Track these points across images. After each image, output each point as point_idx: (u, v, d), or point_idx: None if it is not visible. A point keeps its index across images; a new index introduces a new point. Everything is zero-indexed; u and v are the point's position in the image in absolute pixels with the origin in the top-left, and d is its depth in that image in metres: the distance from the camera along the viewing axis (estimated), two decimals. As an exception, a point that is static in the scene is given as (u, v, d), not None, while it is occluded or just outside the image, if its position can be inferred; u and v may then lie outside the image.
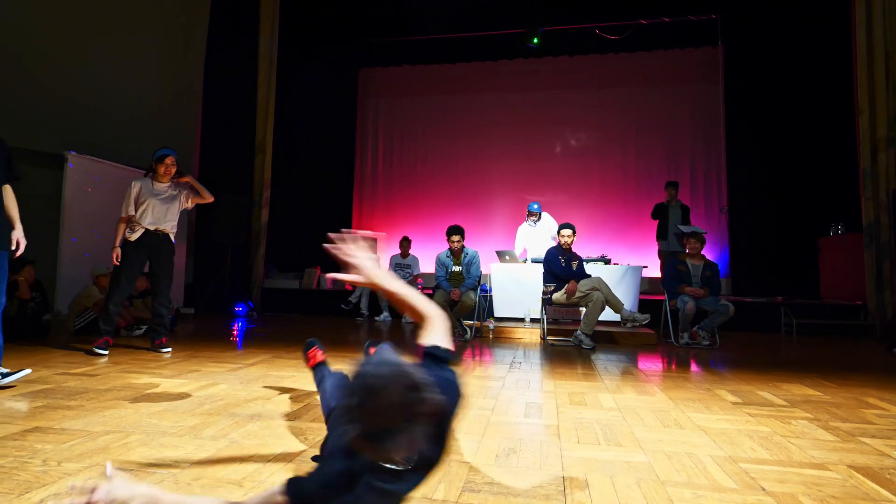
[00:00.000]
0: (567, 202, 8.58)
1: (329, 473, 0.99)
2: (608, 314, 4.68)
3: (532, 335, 5.10)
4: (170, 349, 3.74)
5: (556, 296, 4.76)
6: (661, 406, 2.43)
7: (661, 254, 6.71)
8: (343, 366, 2.25)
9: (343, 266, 1.13)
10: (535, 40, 8.56)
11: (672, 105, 8.49)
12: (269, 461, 1.61)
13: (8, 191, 2.72)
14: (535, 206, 6.35)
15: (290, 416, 2.13)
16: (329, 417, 1.59)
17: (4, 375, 2.54)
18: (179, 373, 2.99)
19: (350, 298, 6.88)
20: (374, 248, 1.16)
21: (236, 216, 7.12)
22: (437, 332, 1.14)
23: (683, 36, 8.32)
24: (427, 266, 7.61)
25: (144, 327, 4.58)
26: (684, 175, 8.21)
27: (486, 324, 5.23)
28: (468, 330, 5.02)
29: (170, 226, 3.79)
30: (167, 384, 2.69)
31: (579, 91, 8.91)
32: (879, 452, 1.81)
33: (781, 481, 1.53)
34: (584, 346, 4.43)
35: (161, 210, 3.73)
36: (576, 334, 4.59)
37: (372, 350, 2.07)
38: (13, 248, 2.66)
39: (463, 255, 4.99)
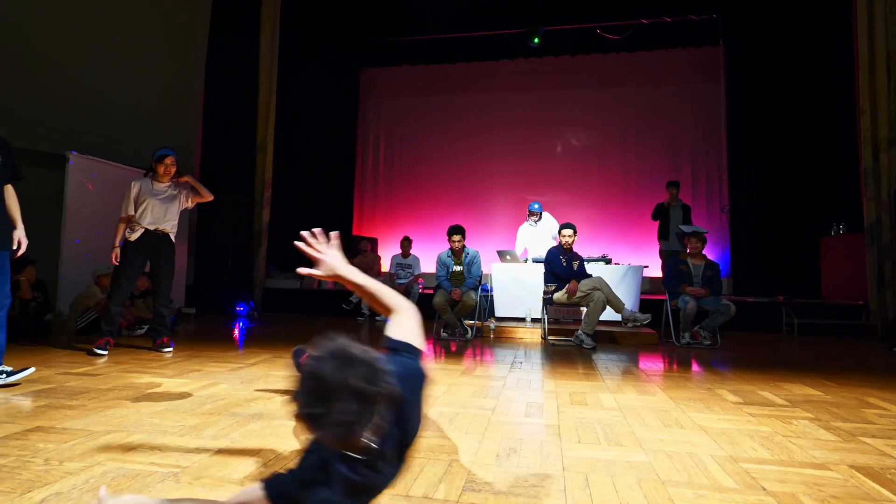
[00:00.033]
0: (568, 202, 8.58)
1: (305, 468, 0.99)
2: (609, 314, 4.68)
3: (533, 335, 5.10)
4: (171, 349, 3.75)
5: (556, 295, 4.76)
6: (661, 406, 2.43)
7: (662, 253, 6.70)
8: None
9: (314, 262, 1.18)
10: (536, 40, 8.57)
11: (673, 105, 8.49)
12: (269, 461, 1.62)
13: (10, 191, 2.73)
14: (536, 206, 6.34)
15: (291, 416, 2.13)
16: None
17: (8, 374, 2.55)
18: (181, 372, 3.00)
19: (351, 298, 6.89)
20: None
21: (238, 216, 7.13)
22: (406, 325, 1.13)
23: (684, 35, 8.32)
24: (428, 266, 7.62)
25: (146, 327, 4.59)
26: (685, 175, 8.21)
27: (487, 323, 5.23)
28: (469, 330, 5.02)
29: (170, 225, 3.79)
30: (168, 384, 2.69)
31: (580, 91, 8.91)
32: (880, 452, 1.81)
33: (782, 481, 1.53)
34: (585, 346, 4.43)
35: (160, 210, 3.73)
36: (577, 334, 4.59)
37: (303, 358, 1.92)
38: (15, 247, 2.68)
39: (464, 254, 4.99)
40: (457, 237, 4.92)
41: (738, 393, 2.73)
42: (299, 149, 8.98)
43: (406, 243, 7.13)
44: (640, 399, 2.56)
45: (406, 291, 6.61)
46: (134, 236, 3.67)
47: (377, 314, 6.88)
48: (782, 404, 2.51)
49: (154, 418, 2.05)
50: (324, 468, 0.95)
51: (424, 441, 1.84)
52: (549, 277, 4.89)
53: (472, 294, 4.83)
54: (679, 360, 3.93)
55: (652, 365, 3.69)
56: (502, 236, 8.56)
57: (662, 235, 6.64)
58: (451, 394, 2.60)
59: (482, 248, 5.63)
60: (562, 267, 4.82)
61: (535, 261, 5.92)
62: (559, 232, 4.99)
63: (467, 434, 1.94)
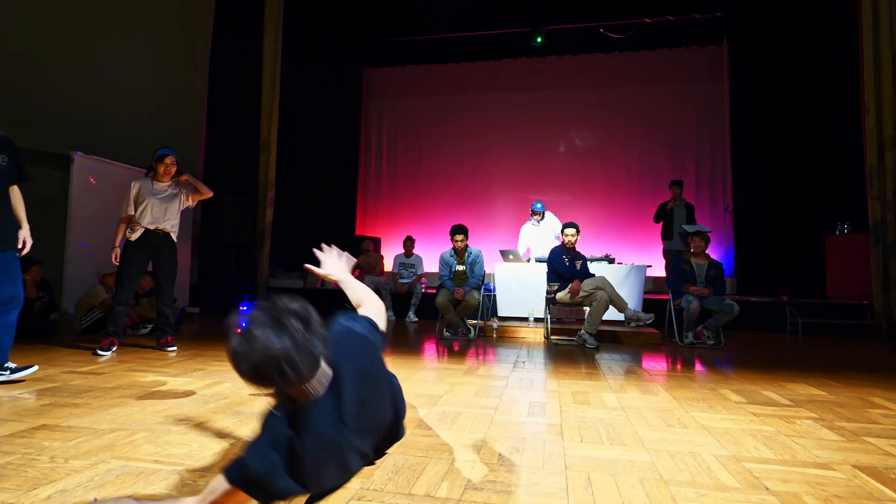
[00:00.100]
0: (571, 201, 8.57)
1: (262, 441, 0.98)
2: (612, 313, 4.67)
3: (536, 334, 5.10)
4: (175, 348, 3.77)
5: (559, 295, 4.75)
6: (664, 405, 2.43)
7: (666, 253, 6.68)
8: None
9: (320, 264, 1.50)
10: (539, 39, 8.55)
11: (677, 104, 8.46)
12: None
13: (16, 191, 2.77)
14: (539, 206, 6.34)
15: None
16: None
17: (12, 371, 2.58)
18: (185, 371, 3.01)
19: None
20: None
21: (241, 216, 7.15)
22: (366, 311, 1.32)
23: (688, 34, 8.29)
24: (431, 265, 7.63)
25: (150, 326, 4.62)
26: (689, 174, 8.18)
27: (489, 323, 5.23)
28: (472, 329, 5.03)
29: (170, 225, 3.81)
30: (173, 382, 2.71)
31: (583, 90, 8.89)
32: (884, 452, 1.80)
33: (785, 481, 1.53)
34: (587, 346, 4.43)
35: (160, 209, 3.75)
36: (580, 334, 4.58)
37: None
38: (20, 247, 2.71)
39: (467, 254, 4.99)
40: (460, 237, 4.92)
41: (741, 393, 2.73)
42: (302, 149, 9.00)
43: (409, 243, 7.13)
44: (642, 399, 2.56)
45: (409, 291, 6.62)
46: (134, 236, 3.69)
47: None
48: (786, 404, 2.50)
49: (158, 417, 2.06)
50: (284, 435, 0.96)
51: (427, 440, 1.84)
52: (552, 277, 4.89)
53: (475, 294, 4.83)
54: (682, 359, 3.93)
55: (655, 365, 3.68)
56: (505, 236, 8.55)
57: (666, 235, 6.63)
58: (454, 393, 2.61)
59: (485, 248, 5.63)
60: (565, 266, 4.82)
61: (538, 260, 5.92)
62: (562, 231, 4.98)
63: (470, 433, 1.94)
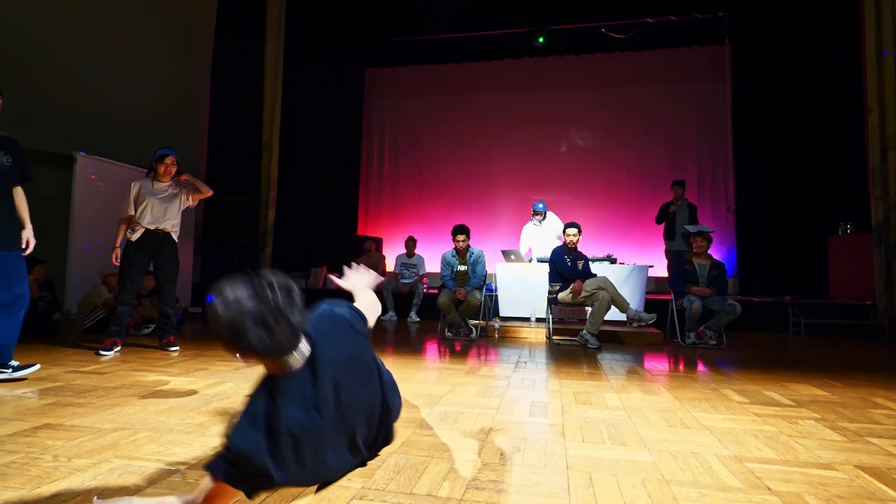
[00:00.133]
0: (572, 201, 8.56)
1: (242, 420, 0.97)
2: (614, 314, 4.67)
3: (538, 335, 5.10)
4: (177, 347, 3.78)
5: (561, 295, 4.75)
6: (666, 406, 2.42)
7: (668, 253, 6.68)
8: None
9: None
10: (541, 39, 8.54)
11: (678, 104, 8.45)
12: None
13: (20, 192, 2.79)
14: (541, 206, 6.34)
15: (296, 415, 2.14)
16: None
17: (14, 369, 2.60)
18: (187, 371, 3.02)
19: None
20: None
21: (243, 216, 7.16)
22: (359, 305, 1.33)
23: (690, 34, 8.28)
24: (433, 265, 7.63)
25: (153, 326, 4.63)
26: (691, 174, 8.17)
27: (491, 323, 5.23)
28: (474, 329, 5.03)
29: (170, 224, 3.82)
30: (175, 382, 2.71)
31: (585, 90, 8.89)
32: (887, 453, 1.80)
33: (787, 481, 1.53)
34: (589, 346, 4.42)
35: (160, 209, 3.76)
36: (581, 334, 4.58)
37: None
38: (23, 246, 2.73)
39: (468, 254, 4.99)
40: (461, 237, 4.92)
41: (743, 393, 2.72)
42: (303, 149, 9.01)
43: (410, 243, 7.14)
44: (644, 399, 2.56)
45: (411, 291, 6.62)
46: (135, 236, 3.70)
47: (383, 314, 6.92)
48: (788, 404, 2.49)
49: (161, 416, 2.07)
50: (265, 412, 0.96)
51: (428, 439, 1.85)
52: (553, 277, 4.89)
53: (477, 294, 4.83)
54: (684, 359, 3.92)
55: (657, 365, 3.68)
56: (507, 236, 8.55)
57: (668, 235, 6.62)
58: (456, 393, 2.61)
59: (487, 248, 5.63)
60: (566, 266, 4.81)
61: (540, 260, 5.92)
62: (563, 231, 4.98)
63: (471, 433, 1.94)
